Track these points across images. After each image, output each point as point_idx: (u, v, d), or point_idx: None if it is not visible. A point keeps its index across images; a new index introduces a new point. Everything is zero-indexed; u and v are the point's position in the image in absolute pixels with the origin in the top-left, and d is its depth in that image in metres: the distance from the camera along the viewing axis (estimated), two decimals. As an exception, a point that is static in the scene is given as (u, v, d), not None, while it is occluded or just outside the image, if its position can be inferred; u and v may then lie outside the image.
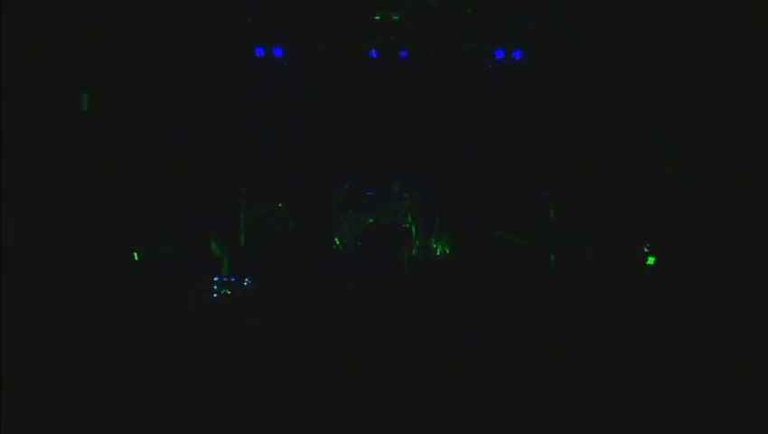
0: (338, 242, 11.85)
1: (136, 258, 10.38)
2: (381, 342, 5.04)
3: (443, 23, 11.97)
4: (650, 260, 9.95)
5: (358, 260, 11.44)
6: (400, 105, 12.66)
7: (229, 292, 6.26)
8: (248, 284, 6.55)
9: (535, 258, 10.42)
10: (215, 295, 6.33)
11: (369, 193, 11.94)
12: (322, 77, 12.53)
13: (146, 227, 11.25)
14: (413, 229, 11.69)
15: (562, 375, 4.48)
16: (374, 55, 12.31)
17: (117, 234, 10.60)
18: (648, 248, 9.53)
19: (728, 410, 4.34)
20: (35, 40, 9.22)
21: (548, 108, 12.27)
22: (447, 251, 11.86)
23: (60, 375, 4.40)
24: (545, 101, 12.27)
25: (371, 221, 11.57)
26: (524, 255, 10.23)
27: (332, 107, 12.51)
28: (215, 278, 6.32)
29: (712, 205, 10.16)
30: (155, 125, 11.53)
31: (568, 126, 12.18)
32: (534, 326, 5.06)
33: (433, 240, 11.89)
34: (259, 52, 12.13)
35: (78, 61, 10.21)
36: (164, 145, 11.64)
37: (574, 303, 5.29)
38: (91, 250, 9.99)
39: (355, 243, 11.70)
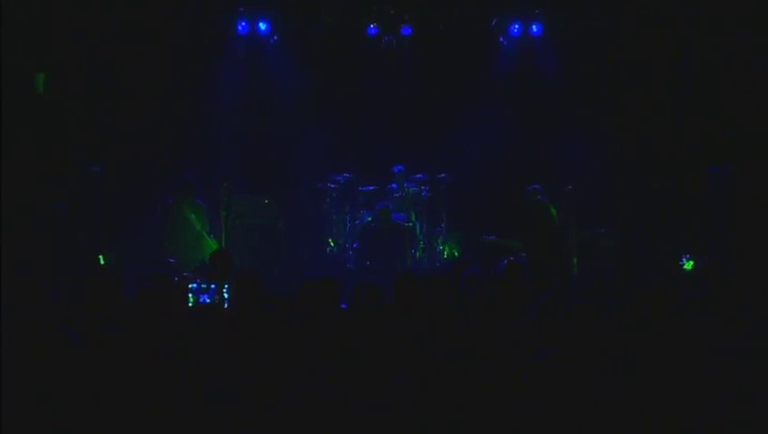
0: (332, 243, 11.72)
1: (102, 261, 10.29)
2: (380, 355, 4.86)
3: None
4: (688, 265, 9.79)
5: (354, 264, 11.32)
6: (402, 87, 12.46)
7: (207, 300, 6.08)
8: (228, 291, 6.37)
9: (551, 263, 10.27)
10: (190, 304, 6.14)
11: (367, 188, 11.78)
12: (313, 55, 12.30)
13: (113, 226, 11.14)
14: (417, 228, 11.57)
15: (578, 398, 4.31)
16: (373, 31, 12.20)
17: (81, 235, 10.48)
18: (687, 256, 9.37)
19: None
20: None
21: (572, 92, 12.08)
22: (456, 254, 11.76)
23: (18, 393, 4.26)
24: (568, 83, 12.08)
25: (370, 219, 11.46)
26: (539, 259, 10.07)
27: (325, 89, 12.29)
28: (191, 286, 6.13)
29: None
30: (126, 112, 11.42)
31: (595, 112, 12.06)
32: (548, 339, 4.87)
33: (439, 240, 11.77)
34: (242, 28, 12.04)
35: (34, 38, 10.04)
36: (136, 133, 11.54)
37: (596, 314, 5.13)
38: (52, 253, 9.84)
39: (351, 244, 11.56)
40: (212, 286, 6.16)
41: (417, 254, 11.48)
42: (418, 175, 11.76)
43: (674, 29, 11.39)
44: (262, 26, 12.00)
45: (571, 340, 4.75)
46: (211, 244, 10.22)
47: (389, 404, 4.36)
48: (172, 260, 9.30)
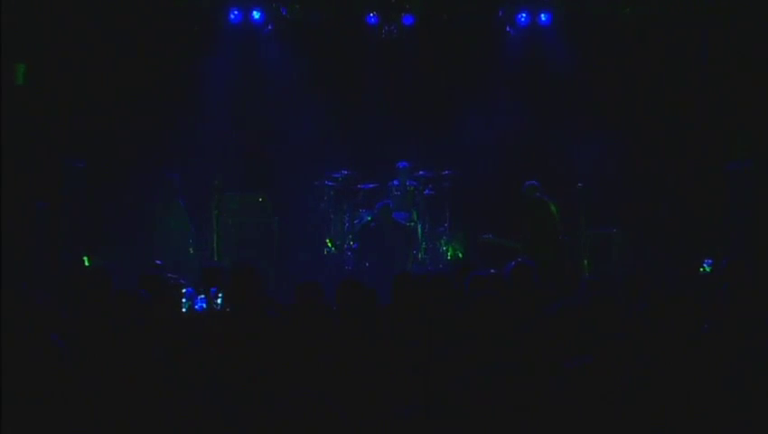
0: (330, 244, 11.74)
1: (87, 263, 10.30)
2: (379, 366, 4.92)
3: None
4: (705, 268, 9.82)
5: (353, 265, 11.33)
6: (403, 80, 12.45)
7: (204, 306, 6.15)
8: (221, 296, 6.42)
9: (551, 264, 10.31)
10: (184, 309, 6.19)
11: (366, 186, 11.78)
12: (309, 46, 12.31)
13: (98, 225, 11.15)
14: (419, 228, 11.59)
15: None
16: (372, 20, 12.21)
17: (64, 236, 10.49)
18: (708, 261, 9.38)
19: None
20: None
21: (582, 85, 12.06)
22: (460, 255, 11.77)
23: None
24: (578, 76, 12.07)
25: (369, 218, 11.48)
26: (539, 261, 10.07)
27: (321, 82, 12.26)
28: (186, 290, 6.17)
29: None
30: (111, 104, 11.41)
31: (607, 106, 12.07)
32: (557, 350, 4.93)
33: (443, 241, 11.79)
34: (234, 16, 12.00)
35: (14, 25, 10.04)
36: (121, 126, 11.54)
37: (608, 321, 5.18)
38: (33, 255, 9.86)
39: (350, 245, 11.59)
40: (212, 290, 6.21)
41: (420, 255, 11.49)
42: (421, 172, 11.74)
43: (690, 18, 11.40)
44: (255, 15, 11.98)
45: (584, 345, 4.82)
46: (189, 248, 10.31)
47: (389, 409, 4.43)
48: (159, 262, 9.34)
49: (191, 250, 10.44)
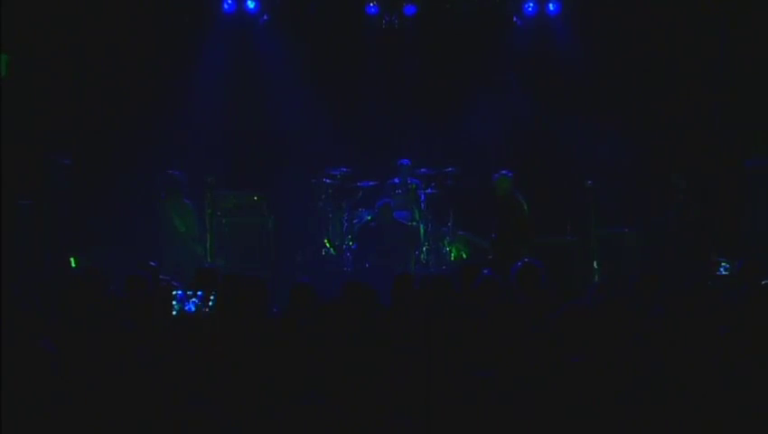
0: (328, 244, 11.74)
1: (74, 264, 10.30)
2: (379, 373, 4.92)
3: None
4: (722, 269, 9.81)
5: (352, 266, 11.30)
6: (405, 72, 12.45)
7: (193, 309, 6.12)
8: (214, 299, 6.41)
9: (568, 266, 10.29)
10: (174, 312, 6.17)
11: (366, 183, 11.75)
12: (306, 37, 12.30)
13: (87, 226, 11.15)
14: (421, 228, 11.60)
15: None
16: (372, 10, 12.20)
17: (50, 235, 10.49)
18: (725, 263, 9.36)
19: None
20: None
21: (592, 77, 12.05)
22: (464, 256, 11.76)
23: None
24: (588, 68, 12.05)
25: (369, 217, 11.47)
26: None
27: (319, 75, 12.27)
28: (175, 293, 6.15)
29: None
30: (98, 97, 11.42)
31: (618, 99, 12.07)
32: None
33: (446, 241, 11.79)
34: (228, 6, 12.00)
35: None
36: (109, 121, 11.54)
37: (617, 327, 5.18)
38: (18, 256, 9.86)
39: (349, 245, 11.59)
40: (199, 293, 6.19)
41: (422, 256, 11.47)
42: (422, 170, 11.70)
43: (707, 8, 11.38)
44: (250, 4, 11.99)
45: (595, 348, 4.81)
46: (197, 249, 10.29)
47: (389, 411, 4.42)
48: (153, 263, 9.33)
49: (199, 250, 10.43)
